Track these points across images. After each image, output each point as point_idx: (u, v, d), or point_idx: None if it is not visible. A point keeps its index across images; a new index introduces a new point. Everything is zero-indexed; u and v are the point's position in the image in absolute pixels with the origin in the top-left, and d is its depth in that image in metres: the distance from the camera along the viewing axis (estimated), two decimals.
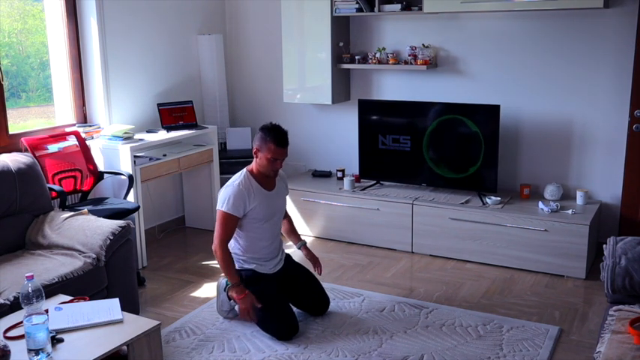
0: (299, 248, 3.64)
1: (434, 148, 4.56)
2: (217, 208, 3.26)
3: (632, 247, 2.75)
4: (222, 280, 3.47)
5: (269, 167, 3.26)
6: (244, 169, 3.33)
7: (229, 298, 3.41)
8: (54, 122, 4.38)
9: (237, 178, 3.29)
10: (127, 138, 4.21)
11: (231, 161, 5.14)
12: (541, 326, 3.36)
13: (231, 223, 3.23)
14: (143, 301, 3.72)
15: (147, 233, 4.52)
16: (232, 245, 3.37)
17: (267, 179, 3.35)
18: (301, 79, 5.06)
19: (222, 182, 5.27)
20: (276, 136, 3.22)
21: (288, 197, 4.87)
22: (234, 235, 3.31)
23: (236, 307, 3.43)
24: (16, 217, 3.44)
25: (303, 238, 3.71)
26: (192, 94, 5.17)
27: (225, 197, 3.23)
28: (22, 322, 2.32)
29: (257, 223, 3.30)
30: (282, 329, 3.21)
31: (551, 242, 4.04)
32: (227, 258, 3.23)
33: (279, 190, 3.44)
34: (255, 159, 3.30)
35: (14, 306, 2.71)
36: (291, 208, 4.90)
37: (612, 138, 4.28)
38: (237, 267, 3.33)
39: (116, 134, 4.20)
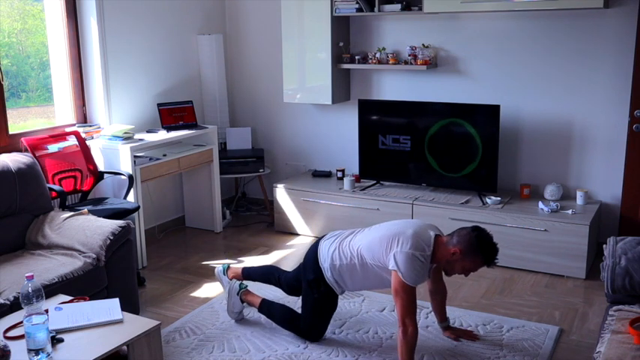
0: (442, 328, 3.27)
1: (434, 148, 4.56)
2: (405, 279, 2.77)
3: (632, 247, 2.75)
4: (236, 283, 3.45)
5: (455, 272, 2.90)
6: (431, 240, 2.83)
7: (242, 302, 3.42)
8: (54, 122, 4.38)
9: (424, 251, 2.80)
10: (127, 138, 4.21)
11: (231, 161, 5.14)
12: (541, 326, 3.36)
13: (415, 295, 2.84)
14: (143, 301, 3.72)
15: (147, 233, 4.52)
16: (335, 256, 3.05)
17: (435, 263, 2.92)
18: (301, 79, 5.06)
19: (222, 182, 5.29)
20: (491, 258, 2.83)
21: (288, 197, 4.90)
22: (348, 259, 3.01)
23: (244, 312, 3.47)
24: (16, 217, 3.44)
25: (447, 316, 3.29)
26: (192, 94, 5.17)
27: (414, 273, 2.78)
28: (22, 322, 2.32)
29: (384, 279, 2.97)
30: (319, 334, 3.21)
31: (551, 242, 4.04)
32: (415, 340, 2.79)
33: None
34: (449, 252, 2.82)
35: (14, 306, 2.70)
36: (291, 208, 4.90)
37: (612, 138, 4.28)
38: (327, 274, 3.06)
39: (116, 134, 4.20)
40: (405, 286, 2.77)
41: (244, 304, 3.42)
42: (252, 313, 3.50)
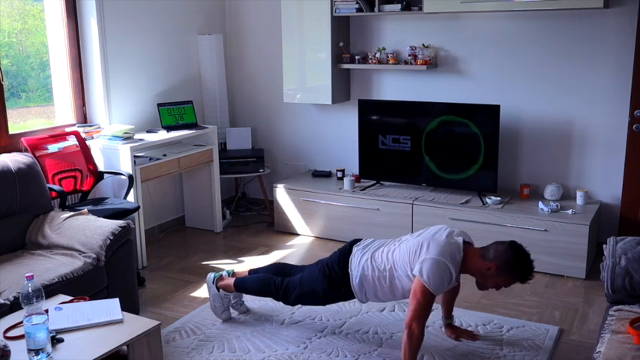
0: (444, 324, 3.27)
1: (434, 148, 4.56)
2: (425, 282, 2.72)
3: (632, 247, 2.75)
4: (211, 274, 3.45)
5: (488, 286, 2.87)
6: (460, 246, 2.80)
7: (218, 289, 3.40)
8: (54, 122, 4.38)
9: (454, 259, 2.76)
10: (127, 138, 4.21)
11: (231, 161, 5.14)
12: (541, 326, 3.36)
13: (432, 305, 2.79)
14: (143, 301, 3.72)
15: (147, 233, 4.52)
16: (367, 265, 2.97)
17: (465, 273, 2.88)
18: (301, 79, 5.06)
19: (222, 182, 5.29)
20: (526, 276, 2.80)
21: (288, 197, 4.90)
22: (381, 269, 2.94)
23: (231, 306, 3.46)
24: (16, 217, 3.44)
25: (452, 314, 3.27)
26: (192, 94, 5.17)
27: (439, 279, 2.73)
28: (22, 322, 2.32)
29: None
30: (297, 303, 3.21)
31: (551, 242, 4.04)
32: (419, 344, 2.74)
33: None
34: (485, 267, 2.79)
35: (14, 306, 2.70)
36: (291, 208, 4.90)
37: (612, 138, 4.28)
38: (354, 281, 2.98)
39: (116, 134, 4.20)
40: (425, 291, 2.72)
41: (220, 291, 3.39)
42: (250, 313, 3.50)
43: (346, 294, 3.07)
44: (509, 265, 2.77)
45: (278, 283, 3.21)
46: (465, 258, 2.80)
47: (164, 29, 4.87)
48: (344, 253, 3.10)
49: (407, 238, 3.01)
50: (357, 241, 3.16)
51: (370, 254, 3.01)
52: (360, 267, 2.98)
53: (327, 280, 3.06)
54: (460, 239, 2.84)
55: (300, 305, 3.41)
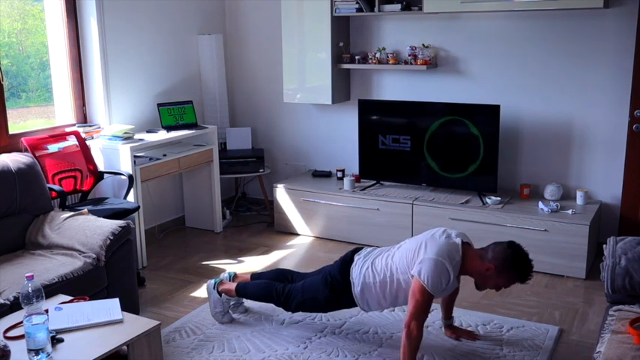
0: (444, 325, 3.27)
1: (434, 148, 4.56)
2: (424, 282, 2.71)
3: (632, 247, 2.75)
4: (210, 280, 3.47)
5: (488, 287, 2.87)
6: (459, 247, 2.80)
7: (220, 294, 3.40)
8: (54, 122, 4.38)
9: (453, 259, 2.76)
10: (127, 138, 4.21)
11: (231, 161, 5.14)
12: (541, 326, 3.36)
13: (431, 305, 2.80)
14: (143, 301, 3.72)
15: (147, 233, 4.52)
16: (368, 273, 2.97)
17: (464, 274, 2.88)
18: (301, 79, 5.06)
19: (222, 182, 5.29)
20: (525, 275, 2.79)
21: (288, 197, 4.90)
22: (381, 275, 2.94)
23: (230, 309, 3.46)
24: (16, 217, 3.44)
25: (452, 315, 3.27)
26: (192, 94, 5.17)
27: (437, 280, 2.72)
28: (22, 322, 2.32)
29: None
30: (298, 310, 3.21)
31: (551, 242, 4.04)
32: (418, 344, 2.75)
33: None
34: (483, 268, 2.79)
35: (14, 306, 2.70)
36: (291, 208, 4.90)
37: (612, 138, 4.28)
38: (356, 289, 2.99)
39: (116, 134, 4.20)
40: (423, 291, 2.72)
41: (222, 296, 3.40)
42: (250, 313, 3.50)
43: (348, 302, 3.08)
44: (507, 265, 2.77)
45: (280, 289, 3.20)
46: (464, 259, 2.79)
47: (164, 29, 4.87)
48: (345, 262, 3.10)
49: (405, 242, 3.02)
50: (358, 250, 3.17)
51: (371, 262, 3.01)
52: (362, 275, 2.98)
53: (329, 287, 3.07)
54: (459, 240, 2.83)
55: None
